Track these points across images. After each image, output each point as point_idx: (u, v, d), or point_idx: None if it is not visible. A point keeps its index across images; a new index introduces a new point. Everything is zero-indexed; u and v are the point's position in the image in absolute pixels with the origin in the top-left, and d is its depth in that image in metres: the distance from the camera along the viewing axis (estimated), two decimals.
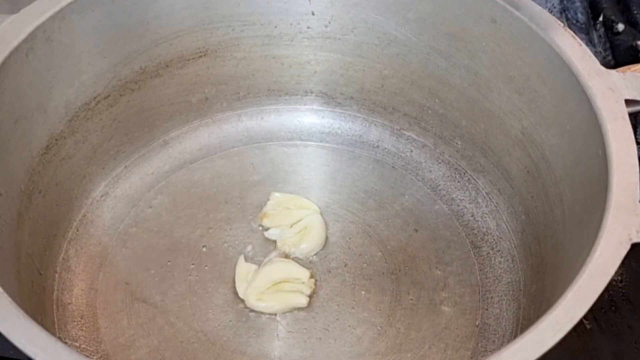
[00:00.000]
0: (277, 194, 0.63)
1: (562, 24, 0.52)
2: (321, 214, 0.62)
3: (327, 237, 0.61)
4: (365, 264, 0.60)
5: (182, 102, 0.66)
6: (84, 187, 0.62)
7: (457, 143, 0.65)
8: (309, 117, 0.70)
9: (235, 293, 0.58)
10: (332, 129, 0.69)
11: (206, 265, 0.59)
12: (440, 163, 0.66)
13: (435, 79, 0.63)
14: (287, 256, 0.60)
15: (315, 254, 0.60)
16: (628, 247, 0.41)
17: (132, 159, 0.65)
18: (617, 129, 0.47)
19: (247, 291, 0.56)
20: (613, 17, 0.77)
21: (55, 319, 0.56)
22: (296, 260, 0.60)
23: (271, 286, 0.57)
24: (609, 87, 0.49)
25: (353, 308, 0.57)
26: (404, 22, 0.61)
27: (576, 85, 0.50)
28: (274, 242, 0.61)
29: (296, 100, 0.69)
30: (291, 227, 0.61)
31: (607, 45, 0.76)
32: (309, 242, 0.60)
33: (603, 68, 0.50)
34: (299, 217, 0.61)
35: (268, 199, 0.63)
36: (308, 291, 0.57)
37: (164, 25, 0.60)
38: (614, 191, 0.44)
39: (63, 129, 0.58)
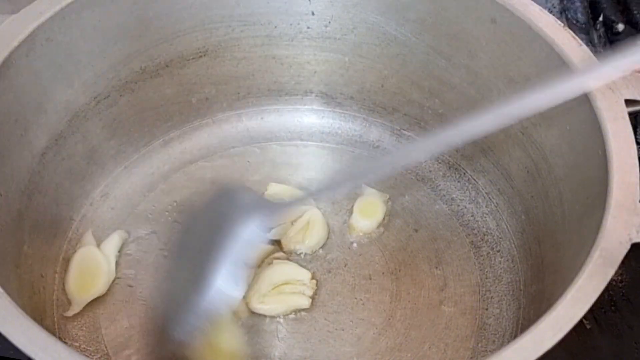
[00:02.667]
0: (274, 185, 0.63)
1: (562, 24, 0.52)
2: (318, 208, 0.62)
3: (329, 231, 0.61)
4: (365, 264, 0.60)
5: (182, 102, 0.66)
6: (84, 187, 0.62)
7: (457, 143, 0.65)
8: (309, 117, 0.70)
9: None
10: (332, 129, 0.69)
11: None
12: (440, 163, 0.66)
13: (435, 79, 0.63)
14: (292, 253, 0.60)
15: (321, 248, 0.60)
16: (628, 247, 0.41)
17: (132, 159, 0.65)
18: (617, 129, 0.47)
19: (249, 294, 0.56)
20: (613, 17, 0.77)
21: (55, 319, 0.56)
22: (301, 256, 0.60)
23: (273, 289, 0.57)
24: (609, 87, 0.49)
25: (353, 308, 0.57)
26: (404, 22, 0.61)
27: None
28: (278, 241, 0.61)
29: (296, 100, 0.69)
30: (292, 224, 0.61)
31: (607, 45, 0.76)
32: (313, 237, 0.60)
33: None
34: (299, 213, 0.61)
35: (266, 189, 0.63)
36: (310, 292, 0.57)
37: (164, 25, 0.60)
38: (614, 191, 0.44)
39: (63, 129, 0.58)
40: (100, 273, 0.57)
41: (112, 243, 0.59)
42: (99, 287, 0.56)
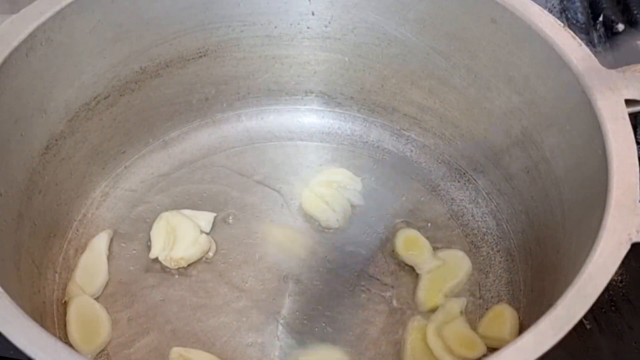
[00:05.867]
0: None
1: (562, 24, 0.52)
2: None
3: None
4: (365, 264, 0.60)
5: (182, 102, 0.66)
6: (84, 187, 0.62)
7: (457, 143, 0.65)
8: (309, 117, 0.70)
9: (234, 291, 0.58)
10: (332, 129, 0.69)
11: (206, 266, 0.59)
12: (440, 163, 0.66)
13: (435, 79, 0.63)
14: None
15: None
16: (628, 247, 0.42)
17: (132, 159, 0.65)
18: (617, 129, 0.47)
19: None
20: (613, 17, 0.77)
21: (55, 319, 0.56)
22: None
23: None
24: (609, 87, 0.49)
25: (353, 308, 0.57)
26: (404, 22, 0.61)
27: (576, 85, 0.50)
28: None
29: (296, 100, 0.69)
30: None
31: (607, 45, 0.76)
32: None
33: (603, 68, 0.50)
34: None
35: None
36: None
37: (164, 25, 0.60)
38: (614, 191, 0.44)
39: (63, 129, 0.58)
40: (102, 322, 0.55)
41: (102, 242, 0.59)
42: (103, 336, 0.55)
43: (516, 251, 0.60)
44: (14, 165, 0.52)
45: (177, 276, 0.59)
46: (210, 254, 0.60)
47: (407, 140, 0.68)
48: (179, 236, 0.59)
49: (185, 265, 0.59)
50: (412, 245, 0.60)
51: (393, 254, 0.60)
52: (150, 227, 0.61)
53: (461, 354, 0.53)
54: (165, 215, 0.60)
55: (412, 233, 0.61)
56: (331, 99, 0.69)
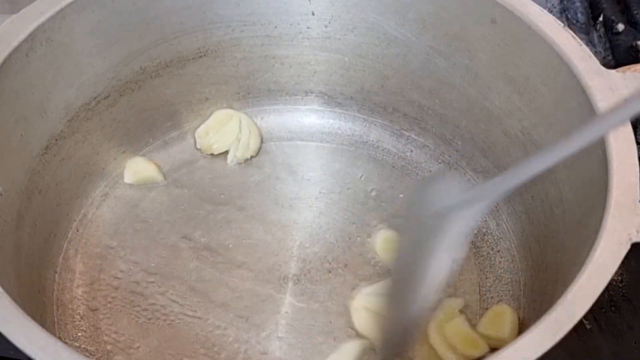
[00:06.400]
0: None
1: (562, 24, 0.52)
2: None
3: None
4: (365, 264, 0.60)
5: (182, 102, 0.66)
6: (84, 187, 0.62)
7: (457, 143, 0.65)
8: (309, 117, 0.70)
9: (234, 292, 0.58)
10: (332, 129, 0.69)
11: (206, 266, 0.59)
12: (440, 163, 0.66)
13: (435, 79, 0.63)
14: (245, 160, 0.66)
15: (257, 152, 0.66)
16: (628, 247, 0.42)
17: (132, 159, 0.65)
18: (617, 129, 0.47)
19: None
20: (613, 17, 0.77)
21: (55, 319, 0.56)
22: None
23: None
24: (609, 87, 0.49)
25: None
26: (404, 22, 0.61)
27: (576, 85, 0.50)
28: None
29: (296, 100, 0.69)
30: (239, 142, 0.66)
31: (607, 45, 0.76)
32: (251, 139, 0.66)
33: (603, 68, 0.50)
34: (234, 129, 0.66)
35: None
36: None
37: (164, 25, 0.60)
38: (614, 191, 0.44)
39: (63, 129, 0.58)
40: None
41: None
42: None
43: (516, 251, 0.60)
44: (14, 165, 0.52)
45: (176, 276, 0.59)
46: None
47: (407, 140, 0.68)
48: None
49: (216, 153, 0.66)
50: (390, 246, 0.60)
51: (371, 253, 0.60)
52: (151, 227, 0.61)
53: (464, 353, 0.53)
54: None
55: (391, 234, 0.61)
56: (331, 99, 0.69)
